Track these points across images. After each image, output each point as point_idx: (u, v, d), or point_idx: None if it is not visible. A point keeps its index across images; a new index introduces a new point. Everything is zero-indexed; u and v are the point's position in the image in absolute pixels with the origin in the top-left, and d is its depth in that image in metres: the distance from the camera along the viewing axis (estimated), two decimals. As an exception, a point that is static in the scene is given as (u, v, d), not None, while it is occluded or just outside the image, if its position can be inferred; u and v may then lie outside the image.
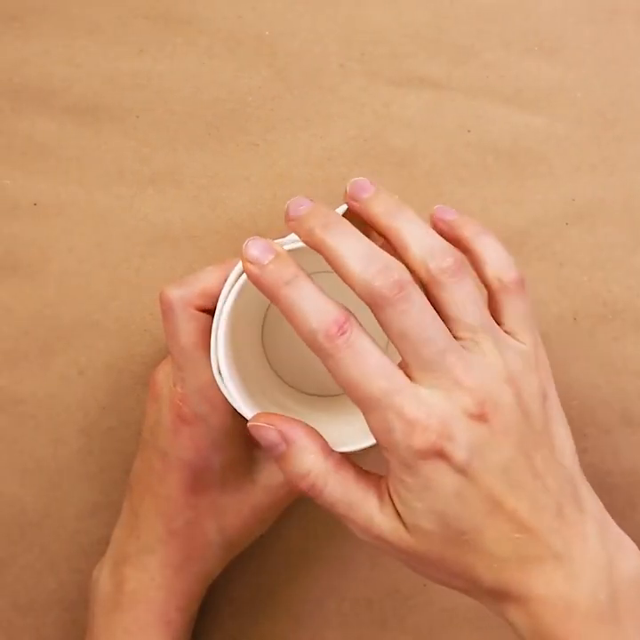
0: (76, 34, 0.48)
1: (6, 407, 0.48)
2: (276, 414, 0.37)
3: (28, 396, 0.48)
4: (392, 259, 0.35)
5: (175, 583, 0.43)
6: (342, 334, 0.34)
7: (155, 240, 0.48)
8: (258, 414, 0.37)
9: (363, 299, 0.34)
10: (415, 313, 0.34)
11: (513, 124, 0.49)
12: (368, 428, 0.36)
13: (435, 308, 0.35)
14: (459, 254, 0.36)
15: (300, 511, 0.47)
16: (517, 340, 0.37)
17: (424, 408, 0.34)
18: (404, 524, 0.35)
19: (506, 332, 0.37)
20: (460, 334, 0.35)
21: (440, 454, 0.34)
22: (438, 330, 0.34)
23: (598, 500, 0.37)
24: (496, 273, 0.37)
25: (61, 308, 0.48)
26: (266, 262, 0.35)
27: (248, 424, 0.37)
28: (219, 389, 0.39)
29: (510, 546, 0.34)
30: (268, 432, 0.36)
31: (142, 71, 0.48)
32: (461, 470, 0.34)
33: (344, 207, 0.38)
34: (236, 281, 0.38)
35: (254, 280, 0.36)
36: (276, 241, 0.37)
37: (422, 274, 0.35)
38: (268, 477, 0.44)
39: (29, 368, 0.48)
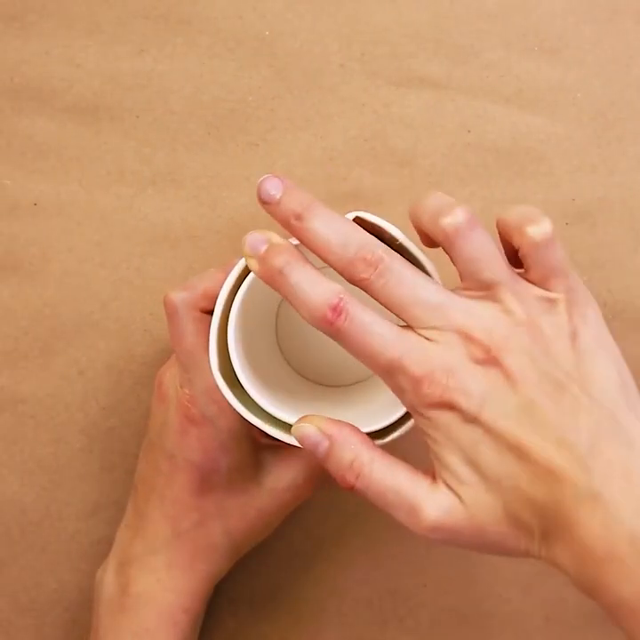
0: (76, 34, 0.48)
1: (6, 407, 0.48)
2: (315, 415, 0.37)
3: (28, 396, 0.48)
4: (366, 236, 0.35)
5: (181, 584, 0.43)
6: (339, 315, 0.34)
7: (155, 240, 0.48)
8: (300, 418, 0.37)
9: (348, 281, 0.35)
10: (396, 282, 0.34)
11: (513, 124, 0.49)
12: (382, 412, 0.37)
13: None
14: (471, 209, 0.36)
15: (301, 511, 0.47)
16: (545, 288, 0.36)
17: (427, 363, 0.34)
18: (456, 496, 0.35)
19: (532, 282, 0.36)
20: (473, 291, 0.35)
21: (449, 405, 0.34)
22: (427, 288, 0.35)
23: None
24: (520, 225, 0.36)
25: (61, 308, 0.48)
26: (261, 252, 0.36)
27: (291, 429, 0.37)
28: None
29: (545, 488, 0.34)
30: (309, 431, 0.36)
31: (142, 71, 0.48)
32: (474, 419, 0.34)
33: (352, 214, 0.38)
34: (234, 282, 0.39)
35: (256, 273, 0.36)
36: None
37: (438, 235, 0.35)
38: (275, 480, 0.44)
39: (29, 368, 0.48)
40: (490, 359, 0.34)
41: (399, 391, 0.35)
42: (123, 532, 0.45)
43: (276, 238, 0.36)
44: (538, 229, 0.36)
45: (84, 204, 0.48)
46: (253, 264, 0.36)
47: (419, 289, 0.35)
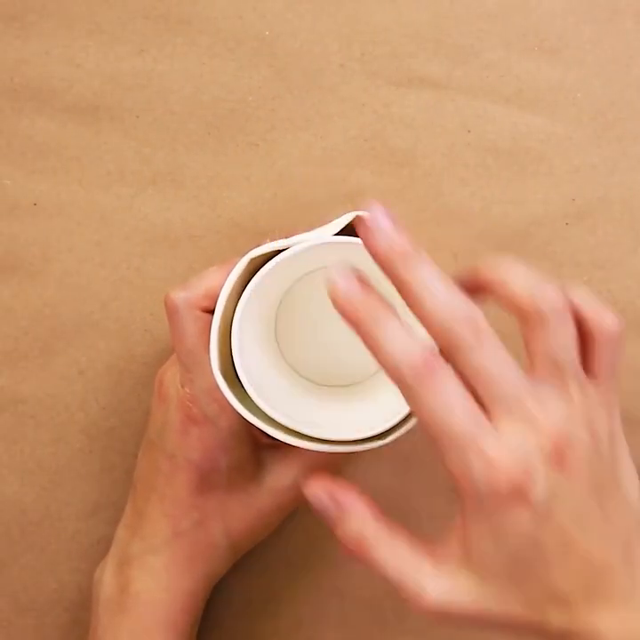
0: (76, 34, 0.48)
1: (6, 407, 0.48)
2: (330, 479, 0.37)
3: (28, 396, 0.48)
4: (471, 304, 0.34)
5: (180, 584, 0.43)
6: (428, 370, 0.33)
7: (155, 240, 0.48)
8: (314, 478, 0.37)
9: (437, 341, 0.34)
10: (490, 354, 0.34)
11: (513, 124, 0.49)
12: (382, 414, 0.37)
13: (527, 345, 0.35)
14: (563, 295, 0.35)
15: (301, 511, 0.47)
16: (594, 380, 0.36)
17: (504, 448, 0.33)
18: (472, 573, 0.34)
19: (586, 372, 0.36)
20: (545, 374, 0.35)
21: (519, 496, 0.33)
22: (513, 369, 0.34)
23: None
24: (597, 314, 0.36)
25: (61, 308, 0.48)
26: (350, 294, 0.34)
27: (305, 490, 0.37)
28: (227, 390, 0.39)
29: (579, 583, 0.34)
30: (322, 496, 0.36)
31: (142, 71, 0.48)
32: (539, 513, 0.33)
33: (352, 214, 0.38)
34: (235, 282, 0.39)
35: (340, 310, 0.34)
36: (283, 241, 0.37)
37: (525, 307, 0.35)
38: (275, 480, 0.44)
39: (29, 368, 0.48)
40: (560, 459, 0.34)
41: (460, 466, 0.33)
42: (121, 531, 0.45)
43: (366, 280, 0.34)
44: (614, 323, 0.36)
45: (84, 204, 0.48)
46: (341, 302, 0.33)
47: (507, 368, 0.34)
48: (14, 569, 0.48)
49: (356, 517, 0.36)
